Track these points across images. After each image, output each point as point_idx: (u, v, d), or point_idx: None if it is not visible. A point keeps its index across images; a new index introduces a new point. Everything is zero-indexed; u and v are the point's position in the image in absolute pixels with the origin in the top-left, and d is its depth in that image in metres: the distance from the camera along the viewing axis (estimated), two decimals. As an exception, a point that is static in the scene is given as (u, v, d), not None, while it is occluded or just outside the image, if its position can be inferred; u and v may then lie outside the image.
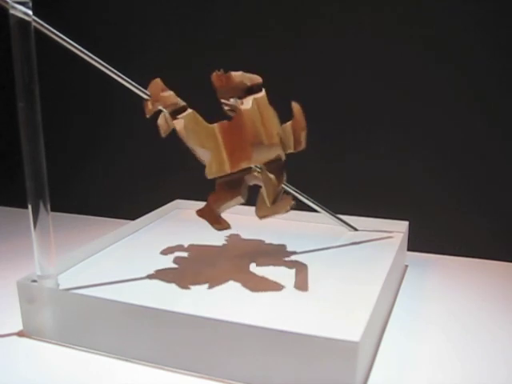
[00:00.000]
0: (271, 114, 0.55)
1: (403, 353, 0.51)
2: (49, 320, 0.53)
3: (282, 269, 0.60)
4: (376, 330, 0.52)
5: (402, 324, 0.57)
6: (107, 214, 0.93)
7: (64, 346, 0.52)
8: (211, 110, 0.55)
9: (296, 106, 0.57)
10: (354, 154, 0.81)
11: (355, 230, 0.72)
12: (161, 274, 0.58)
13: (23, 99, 0.49)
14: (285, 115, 0.57)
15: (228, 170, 0.56)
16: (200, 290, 0.55)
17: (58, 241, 0.55)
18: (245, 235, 0.71)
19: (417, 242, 0.74)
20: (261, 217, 0.58)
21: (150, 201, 0.81)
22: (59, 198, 0.64)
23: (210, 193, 0.58)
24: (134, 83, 0.56)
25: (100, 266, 0.61)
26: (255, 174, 0.59)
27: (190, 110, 0.56)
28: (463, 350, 0.52)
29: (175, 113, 0.55)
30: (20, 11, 0.47)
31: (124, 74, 0.56)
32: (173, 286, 0.56)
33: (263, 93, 0.56)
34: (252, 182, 0.59)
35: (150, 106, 0.56)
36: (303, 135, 0.58)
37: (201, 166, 0.56)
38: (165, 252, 0.65)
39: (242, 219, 0.68)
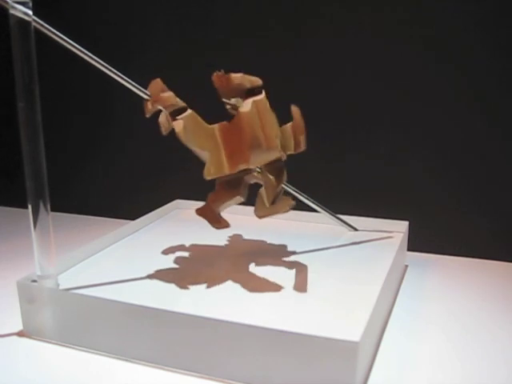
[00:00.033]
0: (271, 117, 0.55)
1: (403, 353, 0.51)
2: (49, 320, 0.53)
3: (282, 269, 0.60)
4: (376, 330, 0.52)
5: (402, 324, 0.57)
6: (107, 213, 0.93)
7: (64, 345, 0.52)
8: (211, 110, 0.54)
9: (295, 110, 0.57)
10: (353, 154, 0.81)
11: (355, 230, 0.72)
12: (161, 274, 0.58)
13: (23, 99, 0.49)
14: (285, 115, 0.57)
15: (226, 171, 0.56)
16: (200, 290, 0.55)
17: (58, 241, 0.55)
18: (245, 235, 0.71)
19: (417, 242, 0.74)
20: (260, 216, 0.58)
21: (149, 201, 0.81)
22: (59, 198, 0.64)
23: (209, 193, 0.59)
24: (134, 83, 0.56)
25: (100, 266, 0.61)
26: (255, 174, 0.59)
27: (189, 111, 0.55)
28: (463, 350, 0.52)
29: (175, 113, 0.55)
30: (20, 11, 0.47)
31: (124, 74, 0.56)
32: (173, 286, 0.56)
33: (263, 95, 0.55)
34: (252, 181, 0.59)
35: (149, 106, 0.56)
36: (302, 138, 0.57)
37: (201, 166, 0.56)
38: (165, 252, 0.65)
39: (241, 219, 0.68)
